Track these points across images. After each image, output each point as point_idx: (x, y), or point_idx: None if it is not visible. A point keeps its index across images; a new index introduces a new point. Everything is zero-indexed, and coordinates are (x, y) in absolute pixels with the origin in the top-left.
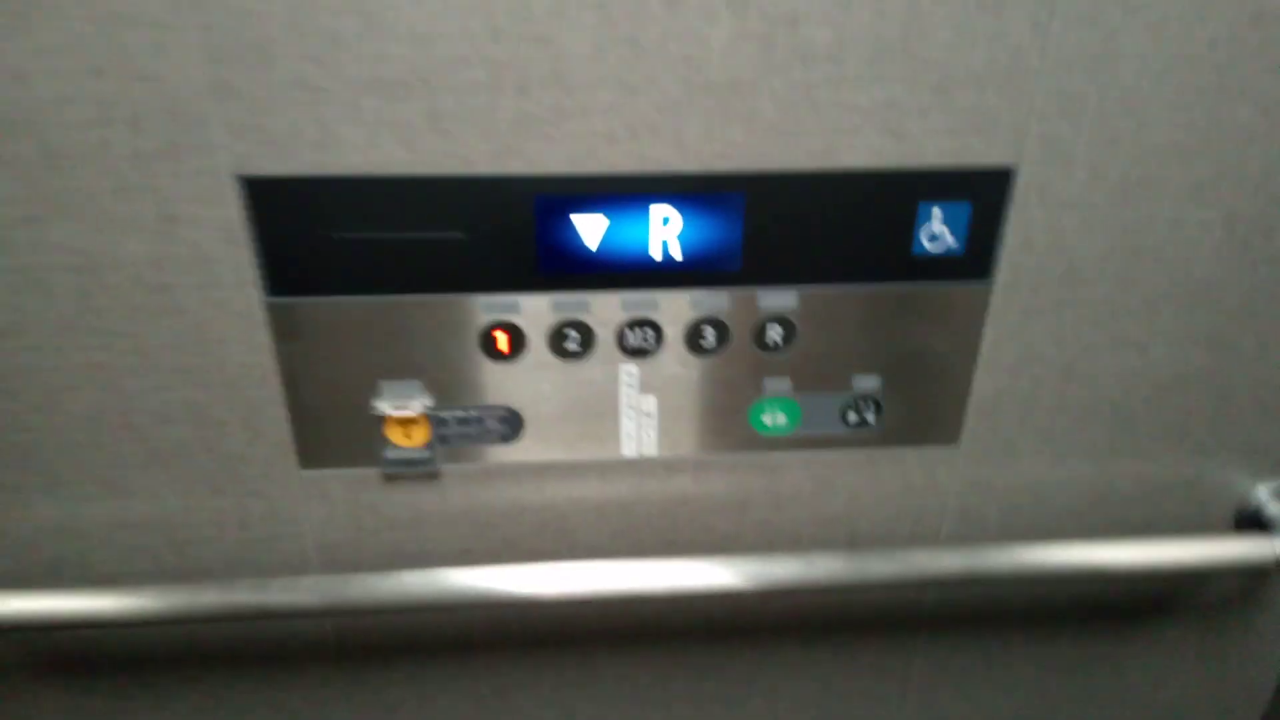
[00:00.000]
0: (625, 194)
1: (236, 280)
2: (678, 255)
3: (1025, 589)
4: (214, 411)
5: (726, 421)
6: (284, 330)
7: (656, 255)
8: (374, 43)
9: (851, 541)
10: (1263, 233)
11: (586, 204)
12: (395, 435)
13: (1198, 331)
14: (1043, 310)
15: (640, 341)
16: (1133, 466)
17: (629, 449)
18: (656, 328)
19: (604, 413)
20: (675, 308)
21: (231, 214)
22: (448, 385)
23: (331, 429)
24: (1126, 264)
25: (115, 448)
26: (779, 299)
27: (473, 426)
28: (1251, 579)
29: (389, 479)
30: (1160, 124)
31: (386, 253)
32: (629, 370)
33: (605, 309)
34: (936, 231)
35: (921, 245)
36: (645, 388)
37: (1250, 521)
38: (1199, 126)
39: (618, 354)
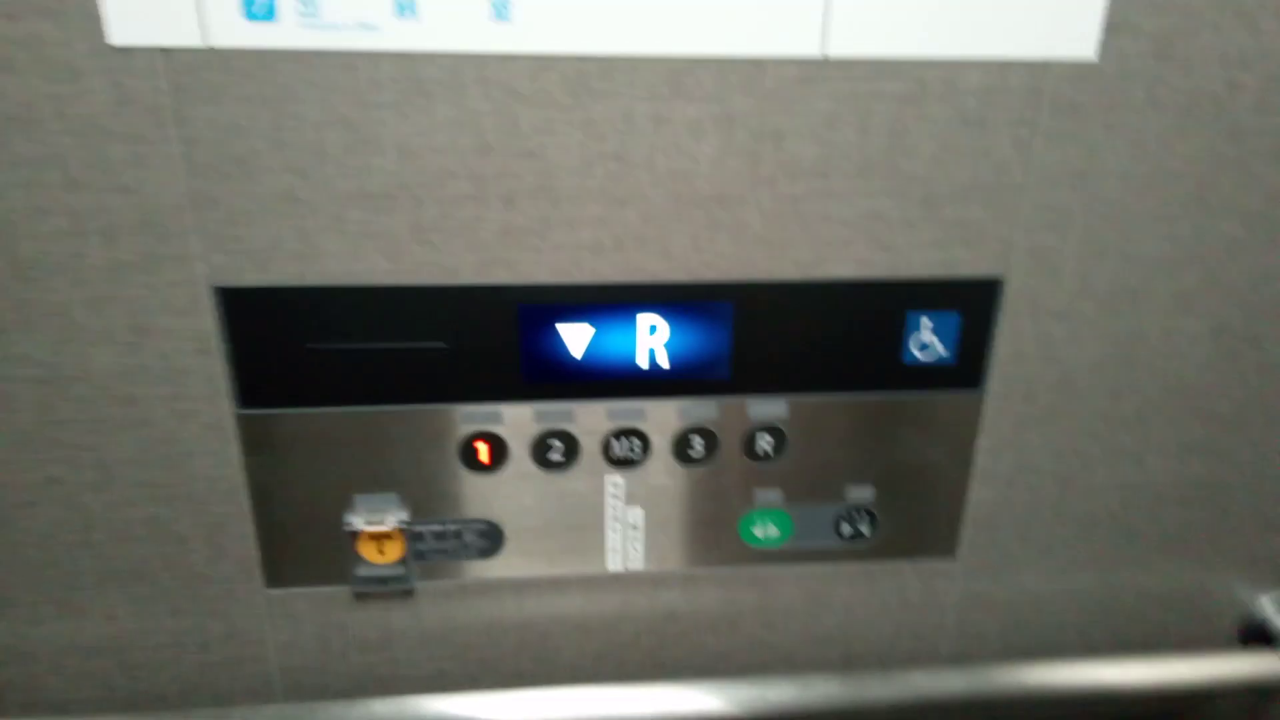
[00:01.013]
0: (611, 303)
1: (208, 392)
2: (665, 364)
3: (1028, 710)
4: (177, 527)
5: (716, 534)
6: (255, 443)
7: (643, 364)
8: (359, 156)
9: (847, 659)
10: (1251, 343)
11: (571, 313)
12: (368, 551)
13: (1193, 441)
14: (1036, 420)
15: (626, 451)
16: (1134, 578)
17: (614, 563)
18: (643, 437)
19: (588, 525)
20: (663, 417)
21: (205, 325)
22: (425, 498)
23: (300, 545)
24: (1119, 374)
25: (71, 566)
26: (769, 408)
27: (450, 541)
28: (1259, 694)
29: (359, 598)
30: (1145, 236)
31: (365, 363)
32: (614, 481)
33: (590, 418)
34: (926, 341)
35: (912, 354)
36: (631, 499)
37: (1256, 634)
38: (1184, 239)
39: (603, 464)
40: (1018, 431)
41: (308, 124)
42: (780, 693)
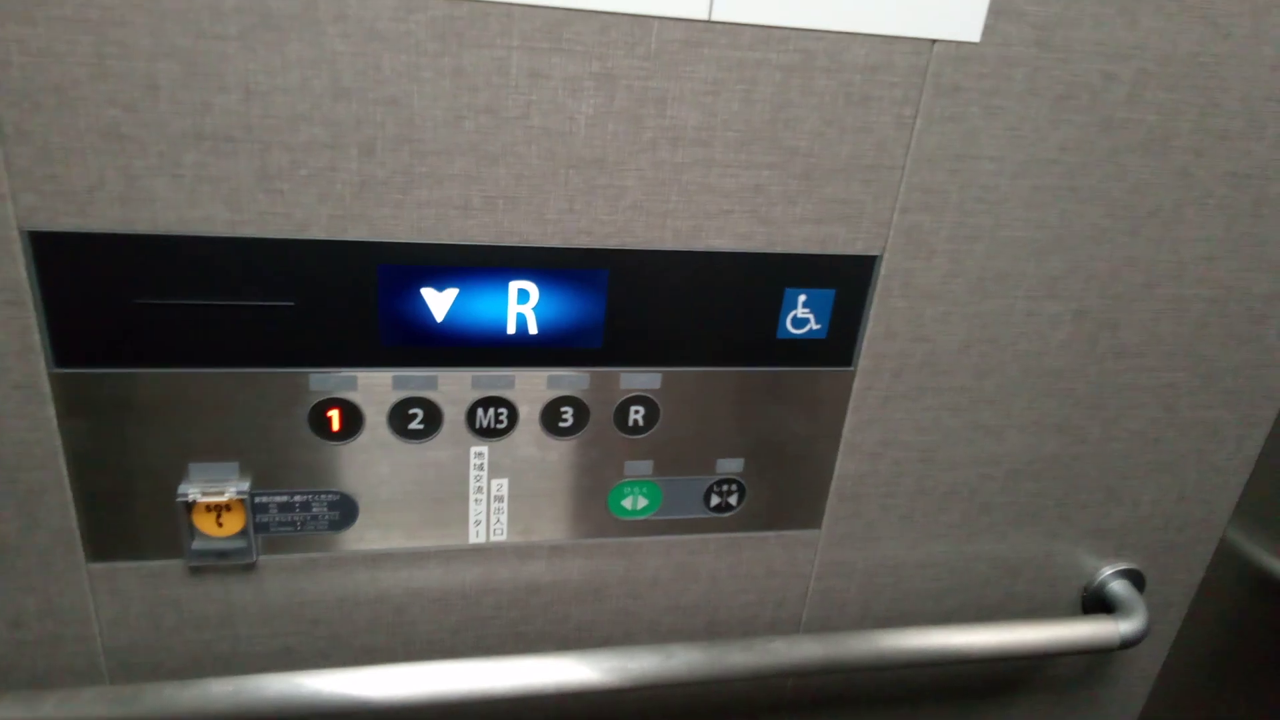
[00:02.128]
0: (479, 266)
1: (18, 348)
2: (535, 331)
3: (883, 674)
4: None
5: (584, 505)
6: (72, 405)
7: (512, 331)
8: (197, 92)
9: (712, 628)
10: (1109, 327)
11: (436, 275)
12: (205, 523)
13: (1049, 419)
14: (903, 397)
15: (492, 421)
16: (988, 548)
17: (477, 535)
18: (511, 407)
19: (450, 497)
20: (531, 386)
21: (15, 273)
22: (271, 468)
23: (127, 516)
24: (982, 354)
25: None
26: (642, 379)
27: (297, 513)
28: (1097, 657)
29: (195, 572)
30: (1015, 221)
31: (202, 321)
32: (479, 451)
33: (454, 387)
34: (801, 316)
35: (786, 329)
36: (496, 470)
37: (1096, 602)
38: (1052, 225)
39: (467, 434)
40: (885, 407)
41: (137, 53)
42: (643, 662)
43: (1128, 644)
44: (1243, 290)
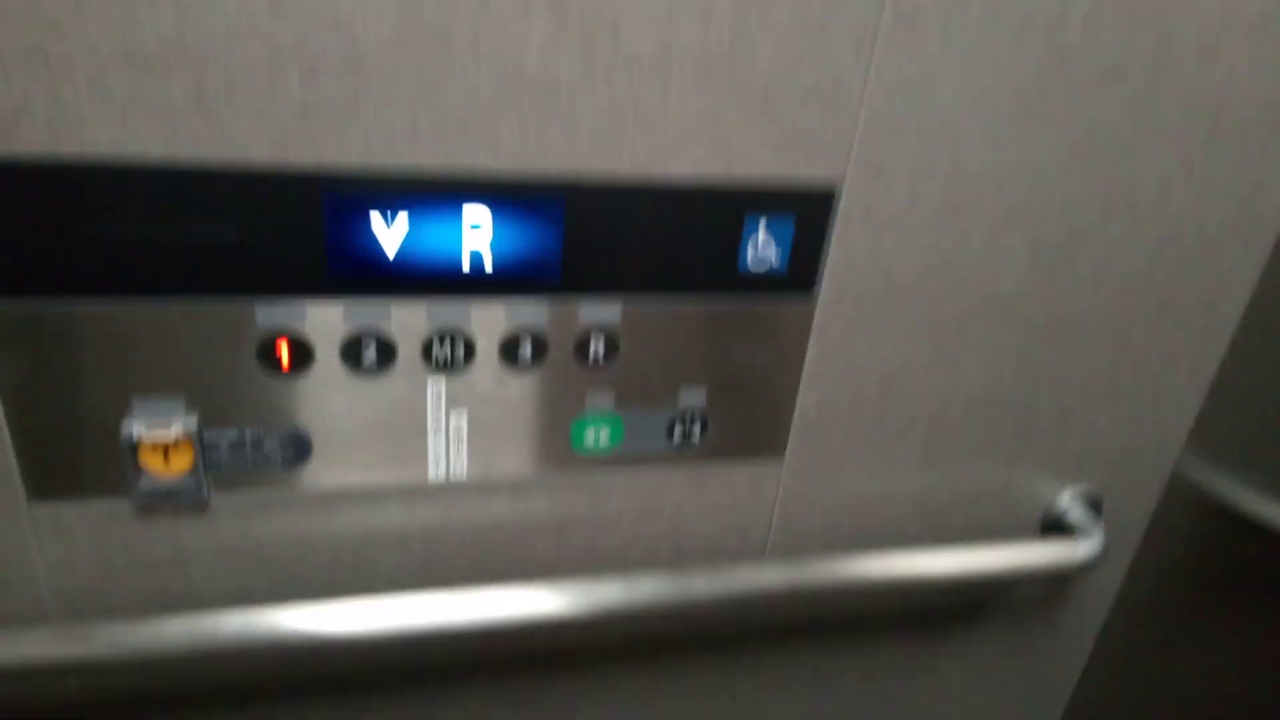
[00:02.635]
0: (430, 193)
1: None
2: (490, 263)
3: (847, 600)
4: None
5: (545, 440)
6: (5, 340)
7: (466, 263)
8: (126, 9)
9: (677, 561)
10: (1066, 257)
11: (385, 203)
12: (152, 462)
13: (1006, 348)
14: (864, 326)
15: (449, 355)
16: (948, 476)
17: (436, 472)
18: (468, 340)
19: (406, 433)
20: (489, 318)
21: None
22: (218, 404)
23: (71, 455)
24: (943, 283)
25: None
26: (601, 311)
27: (248, 451)
28: (1056, 581)
29: (144, 512)
30: (974, 150)
31: (141, 250)
32: (436, 386)
33: (408, 318)
34: (762, 247)
35: (746, 261)
36: (455, 405)
37: (1055, 526)
38: (1010, 155)
39: (423, 368)
40: (846, 338)
41: None
42: (608, 591)
43: (1085, 566)
44: (1197, 221)
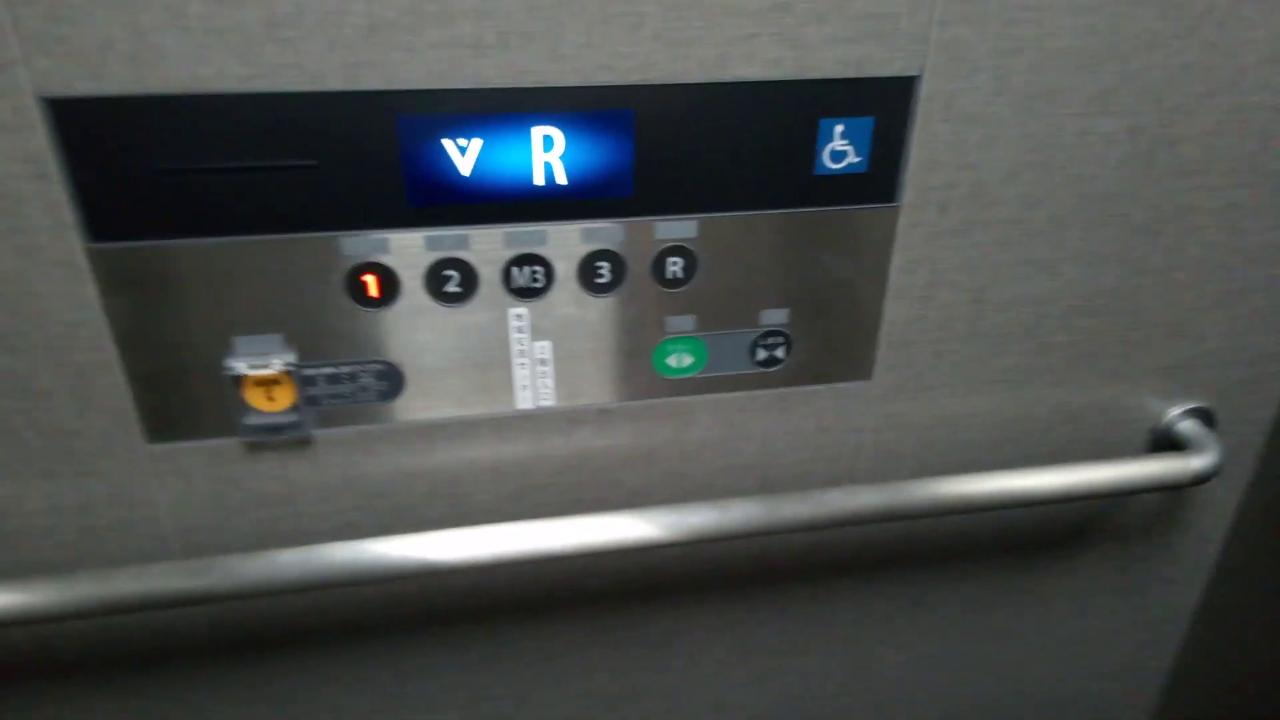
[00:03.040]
0: (499, 112)
1: (51, 224)
2: (563, 180)
3: (945, 524)
4: (36, 381)
5: (629, 365)
6: (113, 282)
7: (539, 181)
8: None
9: (765, 487)
10: (1167, 144)
11: (456, 125)
12: (255, 399)
13: (1106, 250)
14: (950, 233)
15: (529, 280)
16: (1046, 393)
17: (524, 401)
18: (546, 264)
19: (494, 362)
20: (565, 241)
21: (38, 143)
22: (314, 339)
23: (182, 395)
24: (1032, 181)
25: None
26: (677, 228)
27: (345, 384)
28: (1168, 501)
29: (252, 449)
30: (1062, 30)
31: (228, 186)
32: (518, 313)
33: (487, 244)
34: (839, 149)
35: (824, 165)
36: (538, 332)
37: (1164, 443)
38: (1101, 32)
39: (504, 295)
40: (931, 246)
41: None
42: (700, 517)
43: (1199, 480)
44: None
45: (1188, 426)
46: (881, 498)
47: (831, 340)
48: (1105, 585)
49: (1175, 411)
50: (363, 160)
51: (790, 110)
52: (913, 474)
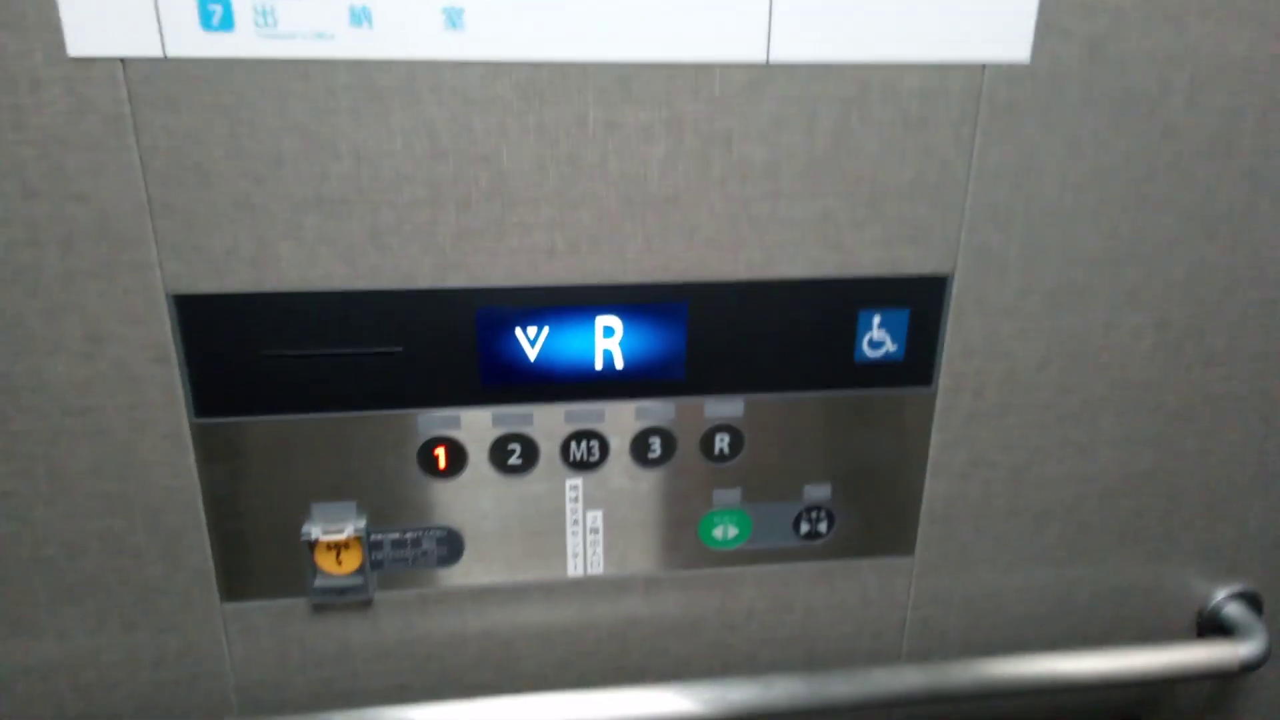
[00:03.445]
0: (567, 305)
1: (165, 400)
2: (621, 365)
3: (991, 704)
4: (131, 540)
5: (676, 535)
6: (211, 452)
7: (599, 365)
8: (315, 162)
9: (810, 660)
10: (1194, 336)
11: (528, 316)
12: (326, 562)
13: (1141, 434)
14: (987, 415)
15: (585, 454)
16: (1090, 572)
17: (575, 568)
18: (602, 439)
19: (548, 530)
20: (620, 418)
21: (162, 333)
22: (383, 506)
23: (257, 557)
24: (1065, 369)
25: (22, 583)
26: (725, 407)
27: (409, 549)
28: (1218, 685)
29: (317, 609)
30: (1086, 233)
31: (322, 369)
32: (574, 484)
33: (548, 421)
34: (877, 338)
35: (864, 352)
36: (590, 502)
37: (1211, 626)
38: (1123, 235)
39: (562, 467)
40: (969, 427)
41: (264, 131)
42: (743, 693)
43: (1247, 668)
44: None
45: (1234, 611)
46: (926, 677)
47: (873, 515)
48: None
49: (1222, 594)
50: (443, 346)
51: (831, 303)
52: (957, 650)
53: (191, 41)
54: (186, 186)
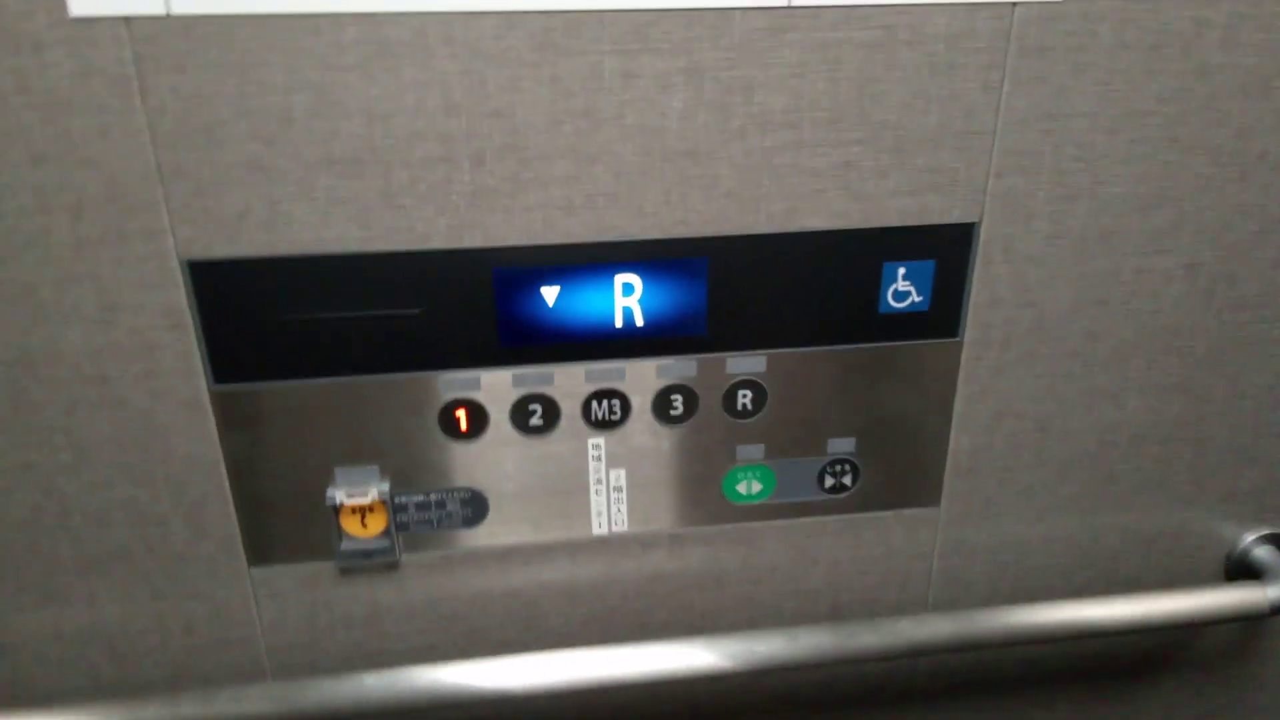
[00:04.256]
0: (585, 263)
1: (182, 368)
2: (641, 322)
3: (1018, 652)
4: (156, 508)
5: (700, 492)
6: (232, 419)
7: (620, 323)
8: (326, 121)
9: (835, 612)
10: (1225, 280)
11: (546, 274)
12: (351, 525)
13: (1169, 380)
14: (1013, 365)
15: (606, 413)
16: (1116, 519)
17: (599, 526)
18: (623, 398)
19: (571, 489)
20: (642, 376)
21: (177, 299)
22: (406, 469)
23: (282, 522)
24: (1093, 316)
25: (50, 552)
26: (747, 363)
27: (433, 511)
28: (1247, 629)
29: (344, 573)
30: (1116, 177)
31: (340, 333)
32: (596, 443)
33: (569, 381)
34: (902, 290)
35: (888, 304)
36: (613, 461)
37: (1240, 570)
38: (1154, 178)
39: (584, 427)
40: (996, 377)
41: (273, 90)
42: (769, 645)
43: (1277, 610)
44: None
45: (1263, 553)
46: (953, 626)
47: (898, 468)
48: (1186, 715)
49: (1250, 538)
50: (461, 307)
51: (854, 255)
52: (983, 600)
53: None
54: (196, 149)
